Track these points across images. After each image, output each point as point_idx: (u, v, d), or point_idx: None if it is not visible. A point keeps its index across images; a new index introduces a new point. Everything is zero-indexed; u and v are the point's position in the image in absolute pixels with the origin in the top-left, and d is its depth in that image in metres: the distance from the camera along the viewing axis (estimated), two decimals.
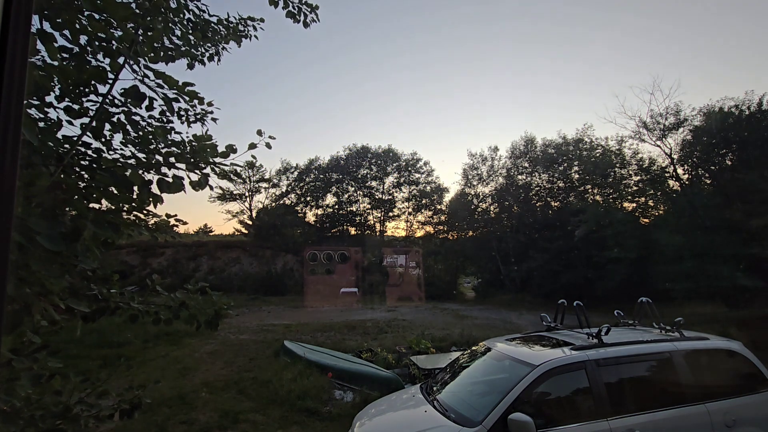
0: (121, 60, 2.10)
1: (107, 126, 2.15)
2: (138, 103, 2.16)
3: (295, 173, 29.95)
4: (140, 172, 2.10)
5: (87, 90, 2.08)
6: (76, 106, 2.06)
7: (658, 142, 19.89)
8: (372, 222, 30.38)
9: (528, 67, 54.60)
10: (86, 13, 2.00)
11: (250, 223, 29.96)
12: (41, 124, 1.97)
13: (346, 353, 8.44)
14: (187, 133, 2.42)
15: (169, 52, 2.54)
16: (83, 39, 2.06)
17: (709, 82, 42.89)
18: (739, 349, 4.15)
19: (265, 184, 29.82)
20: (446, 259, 26.12)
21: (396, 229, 31.54)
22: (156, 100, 2.25)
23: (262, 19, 3.07)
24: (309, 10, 3.09)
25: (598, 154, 22.29)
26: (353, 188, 29.88)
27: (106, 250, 2.13)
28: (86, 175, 2.07)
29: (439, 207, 29.89)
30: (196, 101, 2.40)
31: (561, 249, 20.00)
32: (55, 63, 2.00)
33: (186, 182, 2.14)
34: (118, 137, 2.20)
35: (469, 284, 26.76)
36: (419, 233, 30.22)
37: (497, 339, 4.72)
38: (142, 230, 2.27)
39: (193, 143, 2.22)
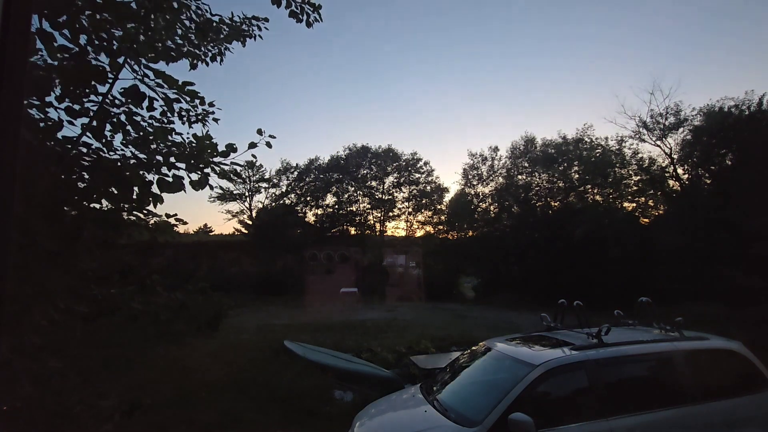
0: (121, 59, 2.10)
1: (108, 126, 2.15)
2: (138, 103, 2.16)
3: (295, 173, 29.91)
4: (140, 172, 2.10)
5: (87, 90, 2.08)
6: (76, 106, 2.06)
7: (658, 142, 19.91)
8: (372, 222, 30.36)
9: (528, 67, 54.53)
10: (86, 12, 2.00)
11: (250, 223, 29.94)
12: (41, 124, 1.97)
13: (346, 353, 8.44)
14: (187, 133, 2.42)
15: (171, 53, 2.54)
16: (83, 39, 2.06)
17: (709, 82, 42.85)
18: (739, 349, 4.15)
19: (265, 184, 29.81)
20: (446, 259, 26.08)
21: (396, 229, 31.52)
22: (156, 100, 2.25)
23: (266, 18, 3.06)
24: (311, 9, 3.09)
25: (598, 154, 22.26)
26: (353, 188, 29.84)
27: (106, 250, 2.13)
28: (86, 175, 2.06)
29: (439, 207, 29.87)
30: (197, 101, 2.40)
31: (561, 249, 19.98)
32: (55, 63, 2.00)
33: (186, 182, 2.14)
34: (118, 137, 2.20)
35: (469, 284, 26.71)
36: (419, 233, 30.22)
37: (497, 339, 4.72)
38: (142, 230, 2.27)
39: (193, 143, 2.22)
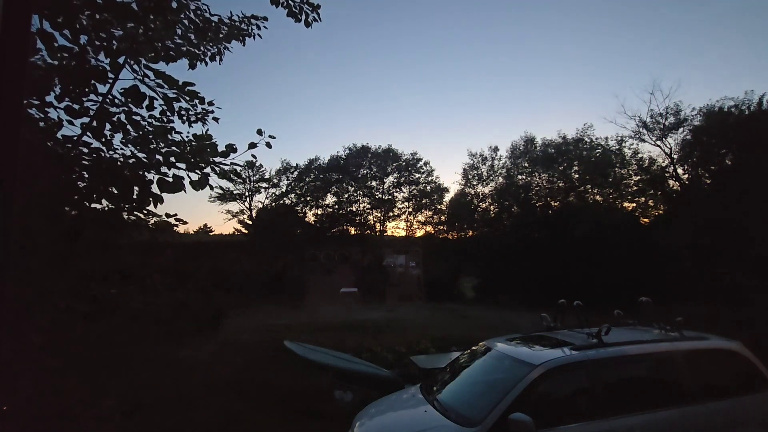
0: (121, 60, 2.10)
1: (107, 126, 2.15)
2: (138, 103, 2.16)
3: (295, 173, 29.91)
4: (140, 172, 2.10)
5: (87, 90, 2.08)
6: (76, 106, 2.06)
7: (658, 142, 19.93)
8: (372, 222, 30.36)
9: (528, 67, 54.52)
10: (86, 12, 2.00)
11: (250, 223, 29.93)
12: (41, 124, 1.97)
13: (346, 353, 8.43)
14: (187, 133, 2.42)
15: (171, 52, 2.53)
16: (83, 38, 2.06)
17: (709, 82, 42.84)
18: (739, 349, 4.14)
19: (265, 184, 29.81)
20: (446, 259, 26.08)
21: (396, 229, 31.52)
22: (156, 99, 2.25)
23: (265, 17, 3.05)
24: (310, 9, 3.09)
25: (598, 154, 22.27)
26: (353, 188, 29.84)
27: (106, 250, 2.13)
28: (86, 175, 2.06)
29: (439, 207, 29.88)
30: (196, 101, 2.40)
31: (561, 249, 19.98)
32: (55, 62, 2.00)
33: (186, 182, 2.14)
34: (118, 137, 2.20)
35: (469, 284, 26.70)
36: (419, 233, 30.22)
37: (497, 339, 4.72)
38: (142, 230, 2.27)
39: (193, 143, 2.22)
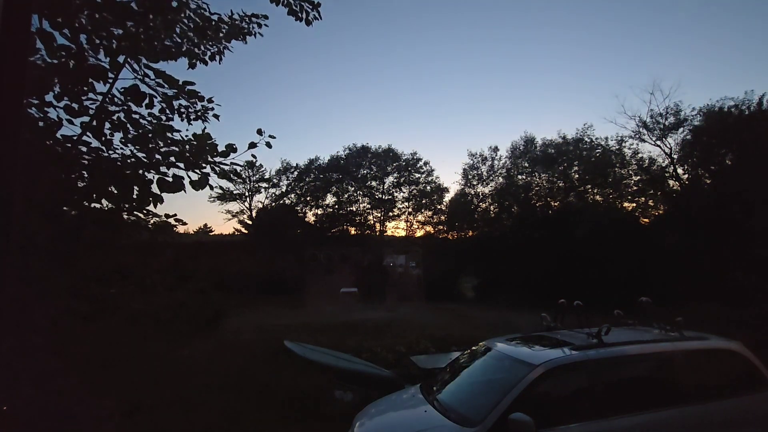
0: (121, 59, 2.10)
1: (107, 125, 2.15)
2: (138, 102, 2.16)
3: (295, 173, 29.92)
4: (140, 171, 2.10)
5: (86, 89, 2.08)
6: (75, 105, 2.06)
7: (658, 142, 19.93)
8: (372, 222, 30.35)
9: (528, 67, 54.52)
10: (86, 12, 2.00)
11: (250, 223, 29.93)
12: (41, 124, 1.96)
13: (346, 353, 8.42)
14: (187, 131, 2.42)
15: (171, 51, 2.53)
16: (83, 38, 2.06)
17: (709, 82, 42.86)
18: (739, 349, 4.14)
19: (265, 184, 29.80)
20: (446, 259, 26.06)
21: (396, 229, 31.51)
22: (156, 98, 2.25)
23: (265, 15, 3.05)
24: (311, 7, 3.09)
25: (598, 154, 22.26)
26: (353, 188, 29.84)
27: (106, 250, 2.13)
28: (86, 175, 2.06)
29: (439, 207, 29.86)
30: (196, 99, 2.40)
31: (561, 249, 19.97)
32: (55, 62, 2.00)
33: (186, 182, 2.14)
34: (117, 136, 2.20)
35: (469, 284, 26.68)
36: (419, 233, 30.20)
37: (497, 339, 4.72)
38: (142, 230, 2.27)
39: (193, 142, 2.22)
